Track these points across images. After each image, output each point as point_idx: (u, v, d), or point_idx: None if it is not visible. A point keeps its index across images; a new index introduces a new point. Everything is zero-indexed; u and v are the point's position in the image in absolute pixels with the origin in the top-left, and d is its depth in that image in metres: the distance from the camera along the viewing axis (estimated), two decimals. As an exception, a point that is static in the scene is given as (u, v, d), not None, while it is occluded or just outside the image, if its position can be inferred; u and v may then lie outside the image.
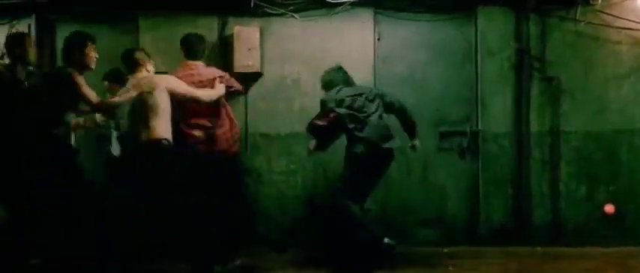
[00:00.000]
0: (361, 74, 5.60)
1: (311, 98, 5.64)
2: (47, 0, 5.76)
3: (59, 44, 5.87)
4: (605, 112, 5.52)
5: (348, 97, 4.73)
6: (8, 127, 4.31)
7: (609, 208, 5.46)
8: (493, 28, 5.59)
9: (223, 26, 5.70)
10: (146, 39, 5.78)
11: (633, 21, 5.46)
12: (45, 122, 4.30)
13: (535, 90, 5.56)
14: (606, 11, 5.47)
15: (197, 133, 4.80)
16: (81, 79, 4.26)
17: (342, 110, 4.66)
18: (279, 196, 5.67)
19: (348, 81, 4.93)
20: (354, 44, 5.65)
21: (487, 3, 5.59)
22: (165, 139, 4.37)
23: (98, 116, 5.10)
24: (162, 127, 4.39)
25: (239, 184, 5.30)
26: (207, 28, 5.70)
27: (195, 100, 4.66)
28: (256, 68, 5.55)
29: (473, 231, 5.60)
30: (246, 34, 5.52)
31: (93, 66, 4.44)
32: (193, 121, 4.80)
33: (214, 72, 4.96)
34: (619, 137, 5.51)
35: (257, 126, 5.69)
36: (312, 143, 4.90)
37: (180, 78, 4.73)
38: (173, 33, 5.74)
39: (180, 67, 4.98)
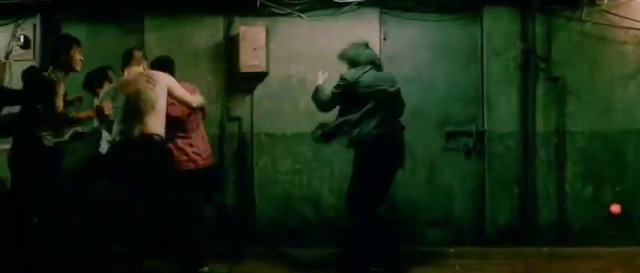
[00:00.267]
0: (367, 74, 5.64)
1: (317, 98, 5.65)
2: (51, 0, 5.76)
3: (64, 44, 5.91)
4: (611, 112, 5.52)
5: (373, 83, 4.41)
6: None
7: (615, 208, 5.45)
8: (499, 28, 5.59)
9: (229, 26, 5.70)
10: (151, 39, 5.78)
11: (639, 21, 5.45)
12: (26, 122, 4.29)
13: (541, 90, 5.55)
14: (612, 11, 5.47)
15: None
16: (60, 89, 4.28)
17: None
18: (285, 196, 5.67)
19: (374, 61, 4.56)
20: (360, 44, 5.63)
21: (493, 3, 5.58)
22: (158, 134, 4.35)
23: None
24: (157, 124, 4.38)
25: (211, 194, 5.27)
26: (213, 28, 5.72)
27: (187, 105, 4.64)
28: (262, 68, 5.55)
29: (479, 231, 5.59)
30: (252, 34, 5.52)
31: (78, 68, 4.47)
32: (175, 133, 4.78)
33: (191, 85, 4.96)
34: (625, 137, 5.50)
35: (262, 126, 5.69)
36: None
37: None
38: (179, 33, 5.77)
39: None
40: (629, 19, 5.46)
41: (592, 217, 5.51)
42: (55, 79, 4.28)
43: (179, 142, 4.77)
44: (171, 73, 4.79)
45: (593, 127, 5.53)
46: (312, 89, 5.56)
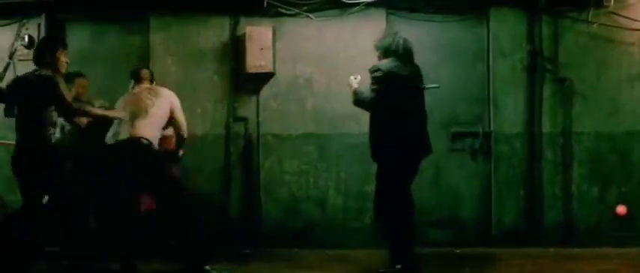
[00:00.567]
0: (373, 75, 5.64)
1: (323, 98, 5.66)
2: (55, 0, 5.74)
3: (69, 44, 5.86)
4: (618, 113, 5.54)
5: (402, 74, 4.29)
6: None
7: (621, 209, 5.47)
8: (505, 29, 5.60)
9: (235, 26, 5.69)
10: (156, 39, 5.77)
11: (645, 23, 5.49)
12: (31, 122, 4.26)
13: (547, 91, 5.56)
14: (619, 13, 5.49)
15: None
16: (63, 84, 4.25)
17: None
18: (291, 197, 5.66)
19: (408, 52, 4.42)
20: (366, 45, 5.59)
21: (499, 4, 5.60)
22: (145, 138, 4.32)
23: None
24: (146, 129, 4.36)
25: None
26: (219, 28, 5.71)
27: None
28: (268, 68, 5.54)
29: (485, 232, 5.59)
30: (259, 34, 5.51)
31: (63, 70, 4.39)
32: None
33: None
34: (631, 138, 5.52)
35: (269, 126, 5.68)
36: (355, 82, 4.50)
37: None
38: (184, 33, 5.76)
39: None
40: (635, 20, 5.49)
41: (598, 218, 5.52)
42: (49, 74, 4.23)
43: None
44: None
45: (600, 128, 5.54)
46: (318, 90, 5.63)
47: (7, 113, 5.10)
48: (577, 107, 5.56)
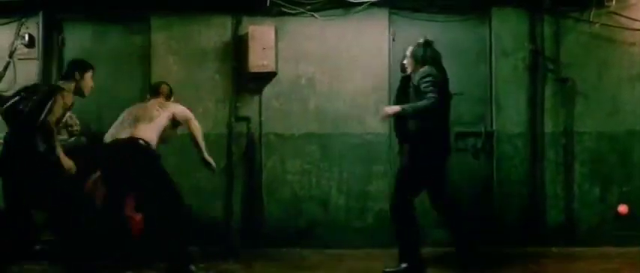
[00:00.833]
0: (376, 74, 5.63)
1: (326, 98, 5.65)
2: (55, -2, 5.72)
3: (67, 44, 5.85)
4: (619, 113, 5.56)
5: (441, 79, 4.42)
6: None
7: (622, 209, 5.49)
8: (507, 29, 5.61)
9: (237, 25, 5.68)
10: (158, 38, 5.74)
11: (647, 23, 5.51)
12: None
13: (549, 91, 5.58)
14: (620, 13, 5.51)
15: None
16: (68, 99, 4.25)
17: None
18: (293, 196, 5.65)
19: (438, 60, 4.54)
20: (369, 44, 5.64)
21: (501, 4, 5.61)
22: (144, 139, 4.35)
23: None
24: (147, 132, 4.40)
25: None
26: (221, 27, 5.69)
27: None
28: (271, 68, 5.53)
29: (487, 231, 5.58)
30: (261, 33, 5.49)
31: (87, 93, 4.52)
32: None
33: None
34: (632, 138, 5.54)
35: (271, 126, 5.66)
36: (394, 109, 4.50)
37: None
38: (186, 32, 5.74)
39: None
40: (636, 20, 5.51)
41: (600, 218, 5.54)
42: (60, 87, 4.26)
43: None
44: None
45: (601, 128, 5.56)
46: (321, 89, 5.63)
47: None
48: (579, 107, 5.58)
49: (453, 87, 5.50)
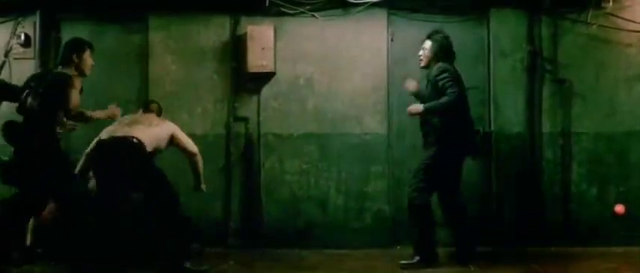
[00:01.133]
0: (375, 75, 5.64)
1: (325, 98, 5.65)
2: (53, -3, 5.68)
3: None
4: (616, 114, 5.59)
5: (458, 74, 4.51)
6: None
7: (619, 209, 5.52)
8: (505, 30, 5.63)
9: (236, 25, 5.66)
10: (156, 38, 5.72)
11: (644, 24, 5.55)
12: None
13: (547, 91, 5.60)
14: (617, 14, 5.55)
15: None
16: (77, 83, 4.22)
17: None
18: (292, 197, 5.63)
19: (452, 54, 4.62)
20: (367, 45, 5.65)
21: (500, 5, 5.63)
22: (138, 138, 4.36)
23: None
24: (142, 135, 4.41)
25: None
26: (220, 27, 5.68)
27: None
28: (270, 68, 5.52)
29: (486, 231, 5.59)
30: (260, 33, 5.48)
31: (88, 72, 4.40)
32: None
33: None
34: (630, 139, 5.57)
35: (270, 126, 5.65)
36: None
37: None
38: (184, 32, 5.72)
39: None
40: (633, 22, 5.55)
41: (597, 218, 5.56)
42: (70, 75, 4.19)
43: None
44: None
45: (598, 129, 5.59)
46: (319, 90, 5.62)
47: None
48: (576, 108, 5.60)
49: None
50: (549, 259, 5.07)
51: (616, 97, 5.60)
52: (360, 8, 5.55)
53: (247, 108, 5.66)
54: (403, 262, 4.57)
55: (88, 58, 4.37)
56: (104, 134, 4.50)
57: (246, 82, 5.63)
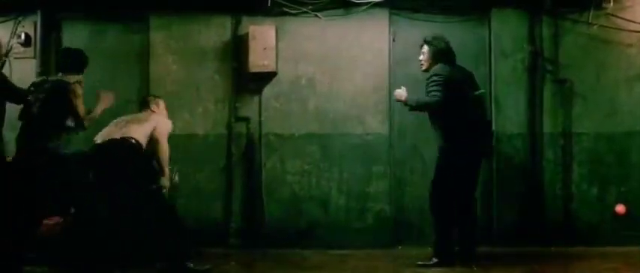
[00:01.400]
0: (376, 75, 5.64)
1: (326, 98, 5.65)
2: (53, -3, 5.67)
3: (65, 43, 5.80)
4: (617, 114, 5.60)
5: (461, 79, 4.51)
6: None
7: (620, 209, 5.53)
8: (507, 30, 5.65)
9: (237, 25, 5.66)
10: (157, 38, 5.72)
11: (644, 25, 5.57)
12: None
13: (548, 92, 5.62)
14: (618, 15, 5.56)
15: None
16: (79, 90, 4.32)
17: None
18: (293, 197, 5.63)
19: (451, 57, 4.61)
20: (369, 45, 5.65)
21: (501, 5, 5.64)
22: (135, 139, 4.38)
23: None
24: (138, 135, 4.42)
25: None
26: (221, 27, 5.68)
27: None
28: (272, 68, 5.52)
29: (486, 231, 5.61)
30: (262, 33, 5.48)
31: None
32: None
33: None
34: (630, 139, 5.59)
35: (271, 126, 5.65)
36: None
37: None
38: (185, 32, 5.72)
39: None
40: (634, 22, 5.57)
41: (598, 218, 5.58)
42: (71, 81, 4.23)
43: None
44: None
45: (599, 129, 5.61)
46: (321, 90, 5.62)
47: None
48: (577, 108, 5.62)
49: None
50: (549, 259, 5.08)
51: (616, 98, 5.61)
52: (362, 8, 5.55)
53: (248, 108, 5.66)
54: (420, 262, 4.57)
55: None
56: (99, 139, 4.49)
57: (247, 82, 5.63)
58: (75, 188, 4.31)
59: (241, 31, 5.62)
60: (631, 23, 5.56)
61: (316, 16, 5.57)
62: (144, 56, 5.74)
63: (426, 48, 4.63)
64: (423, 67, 4.65)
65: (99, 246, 4.37)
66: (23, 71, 5.61)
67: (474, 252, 4.63)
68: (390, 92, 5.64)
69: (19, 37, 5.67)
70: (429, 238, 5.48)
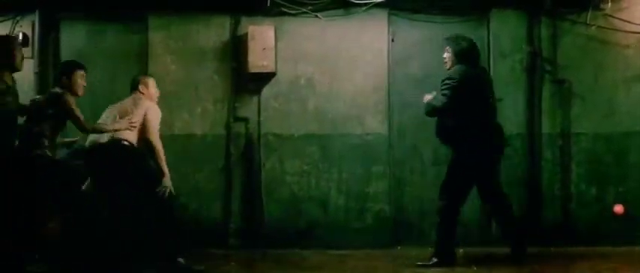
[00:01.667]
0: (376, 75, 5.64)
1: (325, 99, 5.65)
2: (51, -3, 5.65)
3: (63, 43, 5.78)
4: (615, 114, 5.63)
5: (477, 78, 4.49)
6: None
7: (618, 209, 5.55)
8: (505, 30, 5.67)
9: (236, 25, 5.65)
10: (156, 38, 5.71)
11: (642, 25, 5.59)
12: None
13: (546, 92, 5.64)
14: (616, 16, 5.59)
15: None
16: (71, 100, 4.34)
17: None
18: (292, 197, 5.63)
19: (474, 57, 4.57)
20: (368, 45, 5.66)
21: (500, 6, 5.66)
22: (127, 141, 4.37)
23: None
24: (128, 134, 4.40)
25: None
26: (220, 27, 5.68)
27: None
28: (271, 68, 5.51)
29: (486, 232, 5.63)
30: (261, 34, 5.48)
31: (80, 93, 4.47)
32: None
33: None
34: (628, 139, 5.62)
35: (270, 126, 5.65)
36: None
37: None
38: (184, 32, 5.71)
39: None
40: (632, 23, 5.60)
41: (596, 218, 5.60)
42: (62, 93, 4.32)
43: None
44: None
45: (597, 129, 5.63)
46: (320, 90, 5.62)
47: None
48: (575, 108, 5.64)
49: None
50: (549, 259, 5.08)
51: (615, 98, 5.64)
52: (362, 9, 5.55)
53: (248, 108, 5.65)
54: (420, 262, 4.55)
55: (78, 79, 4.44)
56: (88, 143, 4.48)
57: (246, 82, 5.63)
58: (74, 188, 4.29)
59: (240, 31, 5.62)
60: (629, 24, 5.60)
61: (316, 16, 5.57)
62: (143, 56, 5.72)
63: (448, 47, 4.62)
64: (447, 66, 4.63)
65: (98, 246, 4.36)
66: (21, 71, 5.55)
67: (524, 246, 4.63)
68: (390, 92, 5.66)
69: (17, 37, 5.63)
70: (429, 238, 5.51)
